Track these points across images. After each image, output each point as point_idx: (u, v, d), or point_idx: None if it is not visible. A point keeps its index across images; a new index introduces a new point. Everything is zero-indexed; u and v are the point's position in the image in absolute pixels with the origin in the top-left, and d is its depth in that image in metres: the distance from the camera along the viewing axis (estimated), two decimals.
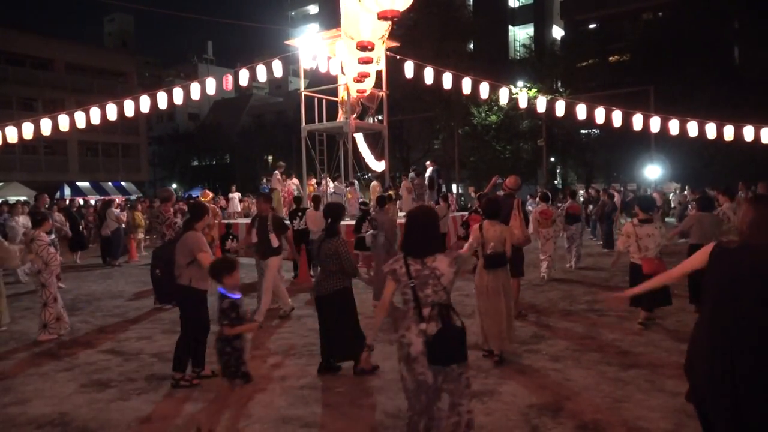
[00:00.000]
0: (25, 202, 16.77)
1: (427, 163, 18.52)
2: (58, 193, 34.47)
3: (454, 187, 33.06)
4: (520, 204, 6.89)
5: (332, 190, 15.47)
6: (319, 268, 5.45)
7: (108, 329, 7.34)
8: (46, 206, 12.26)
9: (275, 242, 7.44)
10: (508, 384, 4.92)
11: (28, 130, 10.70)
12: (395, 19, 10.54)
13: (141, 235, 16.32)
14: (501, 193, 7.68)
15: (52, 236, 10.36)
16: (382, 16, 11.30)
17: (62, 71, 38.20)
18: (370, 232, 8.79)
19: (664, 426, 4.00)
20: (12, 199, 27.13)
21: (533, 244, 9.34)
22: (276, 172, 15.84)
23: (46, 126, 10.81)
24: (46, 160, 37.27)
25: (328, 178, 16.62)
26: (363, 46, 11.64)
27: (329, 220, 5.39)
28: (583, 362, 5.46)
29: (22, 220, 11.27)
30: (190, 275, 4.95)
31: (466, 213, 11.25)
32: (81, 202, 28.26)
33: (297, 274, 10.85)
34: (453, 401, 3.22)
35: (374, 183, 15.94)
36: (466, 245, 5.54)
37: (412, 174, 17.33)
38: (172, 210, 8.67)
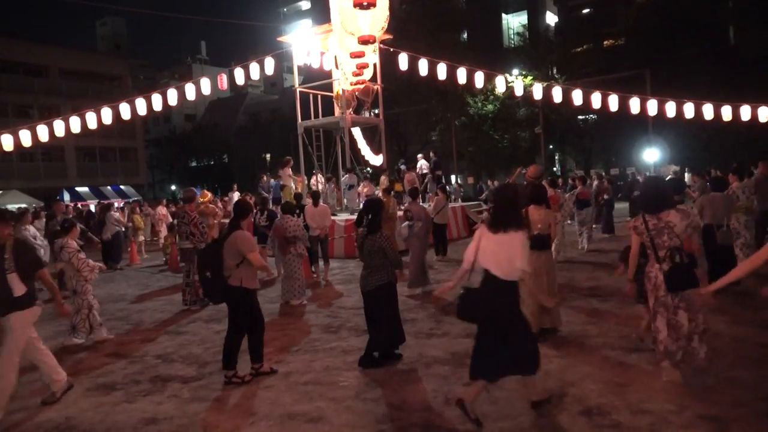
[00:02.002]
0: (31, 210, 16.67)
1: (419, 156, 18.54)
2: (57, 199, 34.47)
3: (453, 178, 33.03)
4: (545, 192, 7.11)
5: (344, 185, 15.43)
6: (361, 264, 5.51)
7: (111, 332, 7.35)
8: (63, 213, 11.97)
9: (20, 287, 4.65)
10: None
11: (25, 137, 10.69)
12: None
13: (141, 238, 16.33)
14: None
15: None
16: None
17: (56, 77, 38.15)
18: (406, 223, 8.83)
19: (668, 408, 4.01)
20: (12, 207, 27.15)
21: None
22: (285, 168, 15.85)
23: (42, 133, 10.79)
24: (44, 166, 37.25)
25: (319, 174, 16.63)
26: (365, 41, 11.66)
27: (369, 216, 5.39)
28: (586, 348, 5.46)
29: (33, 230, 10.72)
30: (241, 275, 4.94)
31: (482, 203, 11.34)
32: (91, 207, 28.23)
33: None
34: (689, 316, 4.29)
35: (383, 177, 15.95)
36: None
37: (403, 167, 17.28)
38: (196, 210, 8.69)
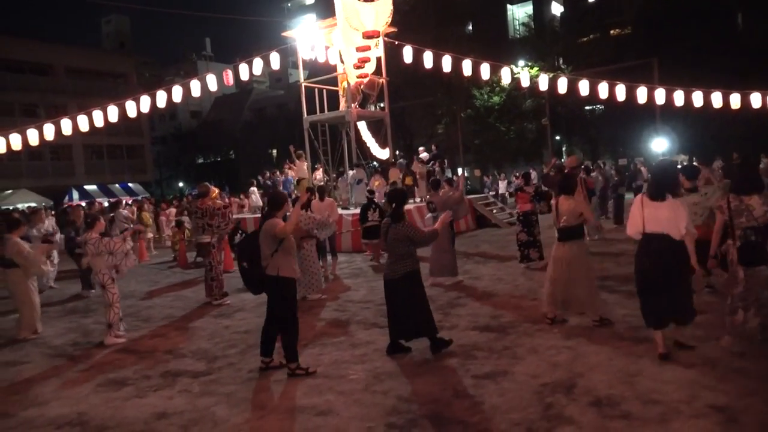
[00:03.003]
0: (35, 209, 16.80)
1: (420, 149, 18.51)
2: (66, 198, 34.73)
3: (459, 170, 32.95)
4: (582, 181, 7.18)
5: (353, 179, 15.44)
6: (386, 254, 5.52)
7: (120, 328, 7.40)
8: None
9: None
10: (521, 363, 4.92)
11: (32, 136, 10.75)
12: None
13: (150, 235, 16.42)
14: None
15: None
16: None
17: (62, 76, 38.30)
18: (429, 215, 8.86)
19: (678, 397, 3.99)
20: (21, 205, 27.37)
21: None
22: (300, 161, 15.88)
23: (49, 131, 10.84)
24: (52, 165, 37.48)
25: (320, 169, 16.64)
26: (369, 36, 11.65)
27: (394, 205, 5.43)
28: (595, 338, 5.45)
29: (48, 225, 11.04)
30: (277, 265, 4.95)
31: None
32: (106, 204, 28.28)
33: None
34: (748, 286, 4.74)
35: (393, 169, 15.94)
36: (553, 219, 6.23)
37: (401, 161, 17.17)
38: (211, 204, 8.71)
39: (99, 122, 11.08)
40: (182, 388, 4.96)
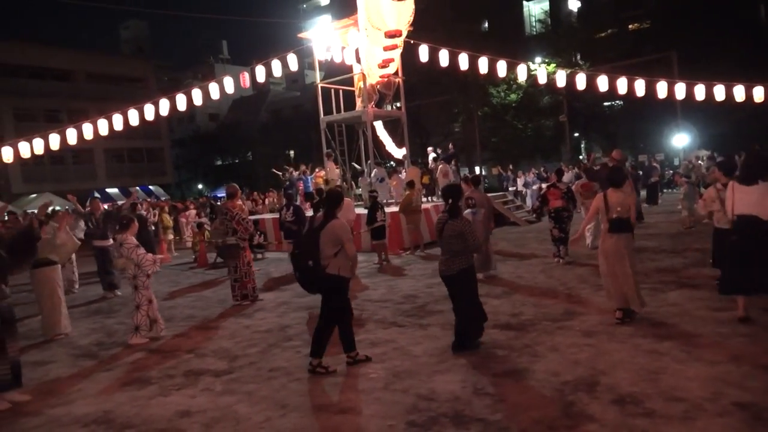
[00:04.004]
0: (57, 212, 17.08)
1: (429, 149, 18.48)
2: (88, 201, 35.28)
3: (477, 169, 32.82)
4: (628, 173, 7.26)
5: (375, 178, 15.49)
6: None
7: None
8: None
9: None
10: (542, 361, 4.90)
11: (54, 141, 10.95)
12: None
13: (171, 236, 16.63)
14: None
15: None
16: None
17: (83, 81, 38.95)
18: (468, 210, 8.91)
19: (703, 395, 3.94)
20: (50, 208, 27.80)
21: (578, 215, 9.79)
22: (328, 161, 15.96)
23: (71, 136, 11.04)
24: (74, 169, 38.14)
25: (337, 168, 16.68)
26: (391, 35, 11.65)
27: (450, 201, 5.44)
28: (617, 336, 5.39)
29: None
30: (338, 264, 4.98)
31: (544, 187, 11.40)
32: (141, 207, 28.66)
33: None
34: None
35: (412, 167, 15.96)
36: (589, 214, 6.55)
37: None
38: (239, 206, 8.80)
39: (119, 126, 11.24)
40: (204, 387, 5.02)
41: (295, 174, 17.54)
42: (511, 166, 26.23)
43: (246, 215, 11.20)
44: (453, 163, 17.69)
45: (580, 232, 7.38)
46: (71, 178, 37.38)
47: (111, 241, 10.20)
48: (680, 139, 26.40)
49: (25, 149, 10.82)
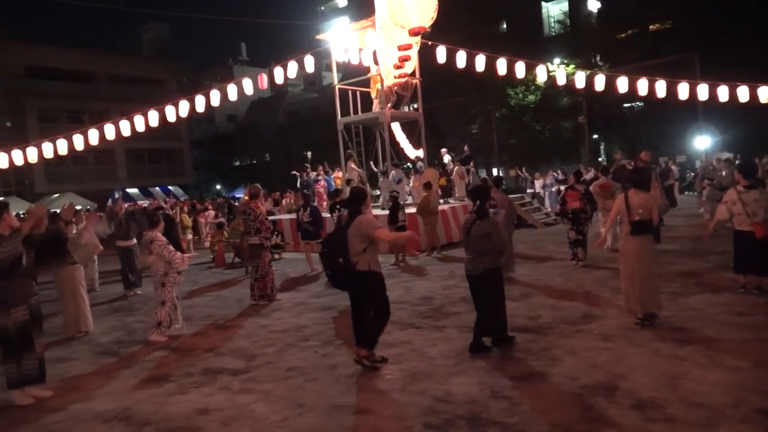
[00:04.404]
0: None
1: (443, 150, 18.42)
2: (109, 201, 35.81)
3: (494, 170, 32.64)
4: (657, 175, 7.19)
5: (393, 179, 15.52)
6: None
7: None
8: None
9: None
10: (559, 365, 4.85)
11: (78, 141, 11.15)
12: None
13: (189, 236, 16.80)
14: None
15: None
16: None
17: (105, 83, 39.64)
18: (490, 211, 8.94)
19: (724, 401, 3.87)
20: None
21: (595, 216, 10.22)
22: (349, 162, 16.02)
23: (94, 136, 11.24)
24: (95, 169, 38.78)
25: (347, 166, 16.71)
26: (416, 32, 11.61)
27: (478, 202, 5.47)
28: (637, 340, 5.33)
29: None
30: (368, 260, 5.02)
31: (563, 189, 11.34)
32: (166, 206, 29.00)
33: None
34: None
35: (430, 169, 15.96)
36: (611, 215, 6.39)
37: (420, 164, 17.01)
38: (261, 206, 8.85)
39: (140, 127, 11.41)
40: (222, 386, 5.07)
41: (312, 175, 17.59)
42: (524, 169, 25.97)
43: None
44: (471, 164, 17.64)
45: (604, 235, 7.30)
46: (93, 178, 38.02)
47: (134, 240, 10.34)
48: (702, 142, 25.97)
49: (48, 150, 11.04)
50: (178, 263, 6.78)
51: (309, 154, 39.72)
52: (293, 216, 14.30)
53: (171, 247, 6.83)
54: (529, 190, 22.81)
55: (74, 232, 7.90)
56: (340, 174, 17.05)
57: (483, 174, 27.46)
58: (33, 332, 5.06)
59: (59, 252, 7.20)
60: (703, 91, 10.78)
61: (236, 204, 18.81)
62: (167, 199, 25.29)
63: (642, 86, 11.07)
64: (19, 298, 4.95)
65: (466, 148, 18.35)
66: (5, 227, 5.04)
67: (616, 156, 11.17)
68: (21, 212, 21.74)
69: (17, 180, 36.00)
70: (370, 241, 5.03)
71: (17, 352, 4.95)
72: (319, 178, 17.52)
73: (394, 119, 16.63)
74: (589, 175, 15.64)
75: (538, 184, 22.72)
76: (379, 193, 17.85)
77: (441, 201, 15.17)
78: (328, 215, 12.66)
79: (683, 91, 10.87)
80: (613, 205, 10.40)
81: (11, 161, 10.85)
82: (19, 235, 5.01)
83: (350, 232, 5.06)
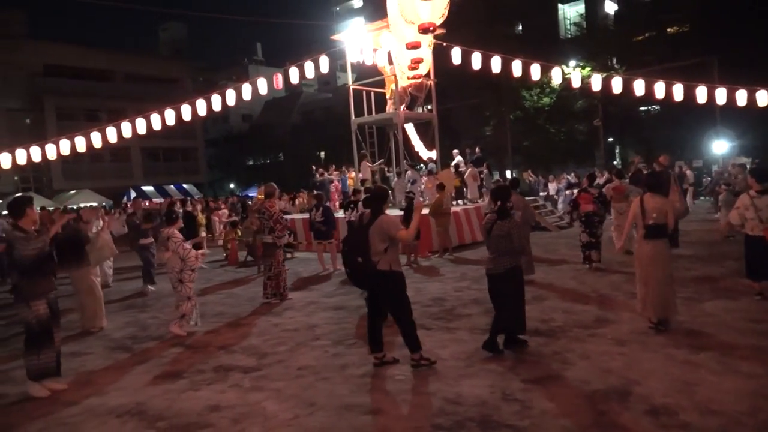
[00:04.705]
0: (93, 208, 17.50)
1: (454, 152, 18.37)
2: (125, 198, 36.22)
3: (508, 173, 32.48)
4: (676, 179, 7.14)
5: (408, 179, 15.51)
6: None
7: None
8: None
9: None
10: (572, 369, 4.82)
11: (95, 139, 11.28)
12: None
13: (203, 234, 16.90)
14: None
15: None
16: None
17: (122, 81, 40.14)
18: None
19: (739, 409, 3.82)
20: (83, 205, 28.69)
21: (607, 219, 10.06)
22: (363, 162, 16.06)
23: (111, 135, 11.34)
24: (112, 167, 39.24)
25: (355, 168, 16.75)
26: (425, 28, 11.58)
27: (499, 203, 5.49)
28: (650, 345, 5.27)
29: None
30: (389, 260, 5.01)
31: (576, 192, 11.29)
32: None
33: None
34: None
35: (445, 170, 15.94)
36: (628, 220, 6.30)
37: (432, 165, 16.93)
38: (277, 206, 8.90)
39: (156, 125, 11.51)
40: (234, 383, 5.10)
41: (326, 175, 17.64)
42: (530, 172, 25.80)
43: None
44: (485, 166, 17.58)
45: (624, 239, 7.21)
46: (108, 175, 38.49)
47: (151, 239, 10.43)
48: (719, 146, 25.65)
49: (66, 147, 11.17)
50: (192, 261, 6.84)
51: (322, 154, 39.87)
52: (306, 215, 14.35)
53: (186, 245, 6.89)
54: (542, 193, 22.69)
55: (93, 231, 7.97)
56: (353, 174, 17.07)
57: (497, 176, 27.38)
58: (53, 326, 5.15)
59: (78, 252, 7.30)
60: (721, 95, 10.64)
61: (249, 203, 18.92)
62: (189, 198, 25.58)
63: (659, 89, 10.96)
64: (40, 292, 5.03)
65: (478, 149, 18.28)
66: (29, 222, 5.11)
67: (634, 159, 11.10)
68: (38, 208, 21.93)
69: (35, 177, 36.51)
70: (391, 241, 5.01)
71: (39, 345, 5.03)
72: (333, 178, 17.57)
73: (407, 120, 16.62)
74: (602, 179, 15.53)
75: (551, 186, 22.59)
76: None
77: (453, 202, 15.14)
78: (341, 215, 12.69)
79: (701, 94, 10.74)
80: (626, 207, 10.42)
81: (30, 158, 11.00)
82: (47, 234, 5.11)
83: (372, 231, 5.05)
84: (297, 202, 19.80)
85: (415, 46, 11.92)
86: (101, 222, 8.50)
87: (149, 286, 10.49)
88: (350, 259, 5.16)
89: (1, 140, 29.78)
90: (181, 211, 12.84)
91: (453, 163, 17.24)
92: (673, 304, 5.77)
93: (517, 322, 5.40)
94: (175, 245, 6.81)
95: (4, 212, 17.56)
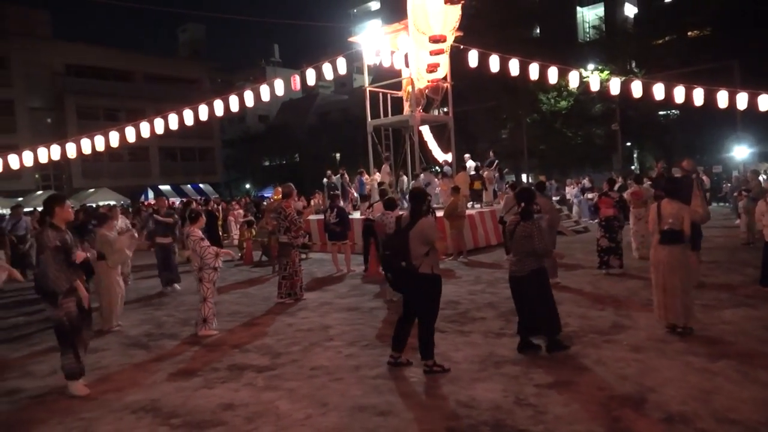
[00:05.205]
0: (111, 207, 17.73)
1: (466, 156, 18.33)
2: (142, 197, 36.65)
3: (524, 177, 32.31)
4: (699, 184, 7.09)
5: (422, 182, 15.52)
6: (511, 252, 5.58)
7: (191, 322, 7.70)
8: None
9: None
10: (586, 374, 4.78)
11: (114, 138, 11.44)
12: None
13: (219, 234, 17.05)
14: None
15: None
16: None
17: (142, 82, 40.66)
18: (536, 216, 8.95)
19: (758, 418, 3.76)
20: (102, 203, 29.08)
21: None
22: (384, 164, 16.10)
23: (130, 134, 11.51)
24: (130, 166, 39.73)
25: (377, 172, 16.75)
26: (435, 40, 11.66)
27: (522, 204, 5.49)
28: (668, 353, 5.20)
29: (122, 222, 11.40)
30: (431, 263, 4.99)
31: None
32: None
33: (367, 268, 10.99)
34: None
35: (461, 173, 15.93)
36: (649, 225, 6.10)
37: (448, 168, 16.88)
38: (293, 206, 8.95)
39: (174, 125, 11.64)
40: (247, 382, 5.12)
41: (334, 178, 17.55)
42: (543, 177, 25.59)
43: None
44: (494, 167, 17.53)
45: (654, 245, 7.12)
46: (127, 174, 38.98)
47: (170, 238, 10.51)
48: (740, 152, 25.26)
49: (86, 146, 11.34)
50: (209, 259, 6.83)
51: (338, 155, 39.97)
52: (321, 217, 14.40)
53: (205, 242, 6.91)
54: (555, 198, 22.50)
55: (113, 233, 8.02)
56: (377, 176, 17.06)
57: (511, 179, 27.22)
58: (83, 325, 5.14)
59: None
60: (742, 100, 10.49)
61: (264, 203, 19.00)
62: (212, 198, 25.81)
63: (679, 93, 10.83)
64: (69, 290, 4.98)
65: (491, 153, 18.30)
66: (60, 221, 5.10)
67: (659, 164, 11.05)
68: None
69: (56, 175, 37.11)
70: (432, 245, 4.98)
71: (73, 343, 4.99)
72: (342, 181, 17.53)
73: (423, 122, 16.61)
74: (617, 185, 15.39)
75: (569, 191, 22.40)
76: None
77: (469, 205, 15.09)
78: (357, 216, 12.72)
79: (722, 99, 10.60)
80: (644, 213, 10.33)
81: (51, 156, 11.18)
82: (68, 231, 5.14)
83: (412, 234, 4.98)
84: (312, 202, 19.87)
85: (438, 53, 11.96)
86: (118, 219, 8.57)
87: (174, 286, 10.33)
88: (393, 264, 5.07)
89: (23, 139, 30.40)
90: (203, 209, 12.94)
91: (468, 164, 17.21)
92: (690, 310, 5.70)
93: (551, 323, 5.37)
94: (193, 243, 6.85)
95: (27, 209, 17.87)
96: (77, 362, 5.02)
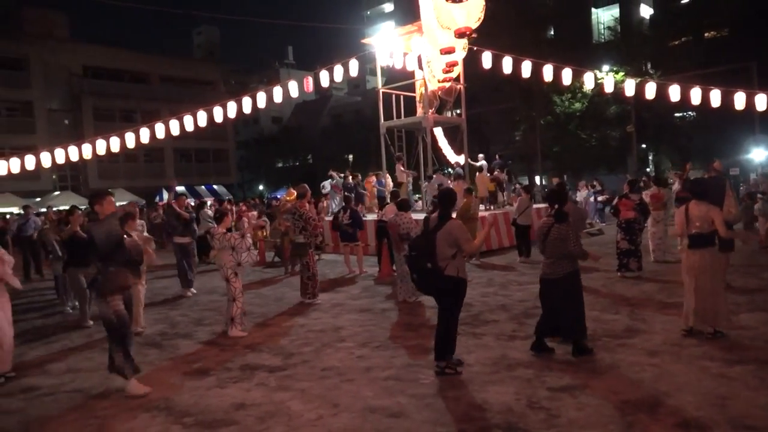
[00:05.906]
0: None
1: (480, 156, 18.27)
2: (157, 197, 36.98)
3: (537, 179, 32.11)
4: (731, 184, 7.06)
5: (435, 183, 15.53)
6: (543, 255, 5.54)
7: (204, 322, 7.79)
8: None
9: None
10: (601, 378, 4.73)
11: (130, 139, 11.55)
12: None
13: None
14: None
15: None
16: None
17: (157, 83, 41.05)
18: None
19: None
20: (118, 203, 29.30)
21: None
22: (398, 164, 16.12)
23: (145, 135, 11.60)
24: (145, 167, 40.11)
25: (388, 174, 16.75)
26: (461, 33, 11.59)
27: (556, 206, 5.45)
28: (683, 357, 5.14)
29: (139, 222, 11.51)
30: (457, 265, 4.97)
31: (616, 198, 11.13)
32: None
33: (381, 269, 10.99)
34: None
35: (480, 175, 15.90)
36: (676, 227, 5.98)
37: (460, 170, 16.84)
38: (308, 206, 8.98)
39: (189, 127, 11.72)
40: (259, 382, 5.15)
41: (336, 178, 17.47)
42: (557, 179, 25.41)
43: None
44: (505, 171, 17.48)
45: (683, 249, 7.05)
46: (142, 175, 39.34)
47: (188, 237, 10.56)
48: (758, 154, 24.91)
49: (102, 147, 11.46)
50: (241, 246, 6.80)
51: (351, 157, 40.06)
52: (330, 218, 14.42)
53: (228, 234, 6.91)
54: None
55: (138, 230, 8.02)
56: (373, 179, 17.05)
57: (525, 181, 27.07)
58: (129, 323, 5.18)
59: (87, 254, 7.37)
60: (760, 101, 10.33)
61: (274, 203, 19.02)
62: (228, 198, 25.97)
63: (695, 95, 10.69)
64: (117, 287, 4.99)
65: (497, 156, 18.29)
66: (103, 215, 5.12)
67: (686, 166, 11.06)
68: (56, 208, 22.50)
69: (72, 175, 37.54)
70: (459, 247, 4.95)
71: (123, 341, 5.01)
72: (355, 183, 17.51)
73: (436, 124, 16.59)
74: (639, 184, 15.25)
75: (580, 193, 22.22)
76: (418, 197, 17.87)
77: (482, 207, 15.04)
78: (371, 217, 12.72)
79: (739, 100, 10.44)
80: (662, 215, 10.24)
81: (68, 157, 11.31)
82: (115, 219, 5.10)
83: (439, 236, 4.96)
84: (325, 203, 19.89)
85: (449, 51, 11.90)
86: (137, 218, 8.61)
87: (192, 290, 10.27)
88: (419, 265, 5.04)
89: (42, 140, 30.82)
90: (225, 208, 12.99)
91: (477, 165, 17.16)
92: (724, 314, 5.60)
93: (579, 327, 5.34)
94: (219, 241, 6.88)
95: (42, 210, 18.12)
96: (128, 360, 5.01)
